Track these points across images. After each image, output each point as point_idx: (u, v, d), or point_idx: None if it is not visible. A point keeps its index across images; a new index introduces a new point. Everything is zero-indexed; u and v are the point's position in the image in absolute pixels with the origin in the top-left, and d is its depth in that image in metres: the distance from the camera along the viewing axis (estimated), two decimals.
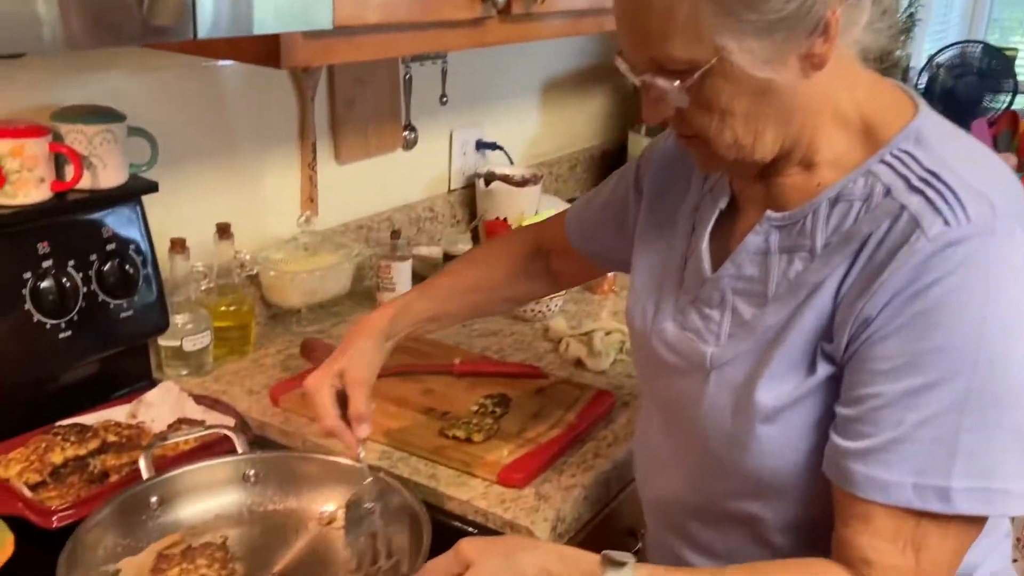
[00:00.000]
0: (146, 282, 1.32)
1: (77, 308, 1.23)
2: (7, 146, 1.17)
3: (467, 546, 0.86)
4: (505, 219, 1.93)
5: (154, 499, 1.08)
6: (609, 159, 2.53)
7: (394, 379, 1.42)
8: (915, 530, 0.79)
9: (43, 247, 1.20)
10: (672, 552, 1.04)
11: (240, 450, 1.16)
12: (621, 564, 0.82)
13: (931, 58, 3.02)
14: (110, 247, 1.27)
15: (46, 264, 1.20)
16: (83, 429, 1.21)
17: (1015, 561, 1.25)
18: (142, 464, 1.09)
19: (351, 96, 1.75)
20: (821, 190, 0.86)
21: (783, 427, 0.86)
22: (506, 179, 1.99)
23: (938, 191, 0.79)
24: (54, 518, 1.06)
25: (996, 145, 2.64)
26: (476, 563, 0.83)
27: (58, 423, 1.23)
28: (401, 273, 1.67)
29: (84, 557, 0.97)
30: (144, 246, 1.32)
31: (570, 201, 2.29)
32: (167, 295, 1.37)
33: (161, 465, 1.13)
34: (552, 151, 2.37)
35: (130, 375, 1.38)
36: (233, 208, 1.56)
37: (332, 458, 1.16)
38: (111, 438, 1.23)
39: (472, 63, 2.02)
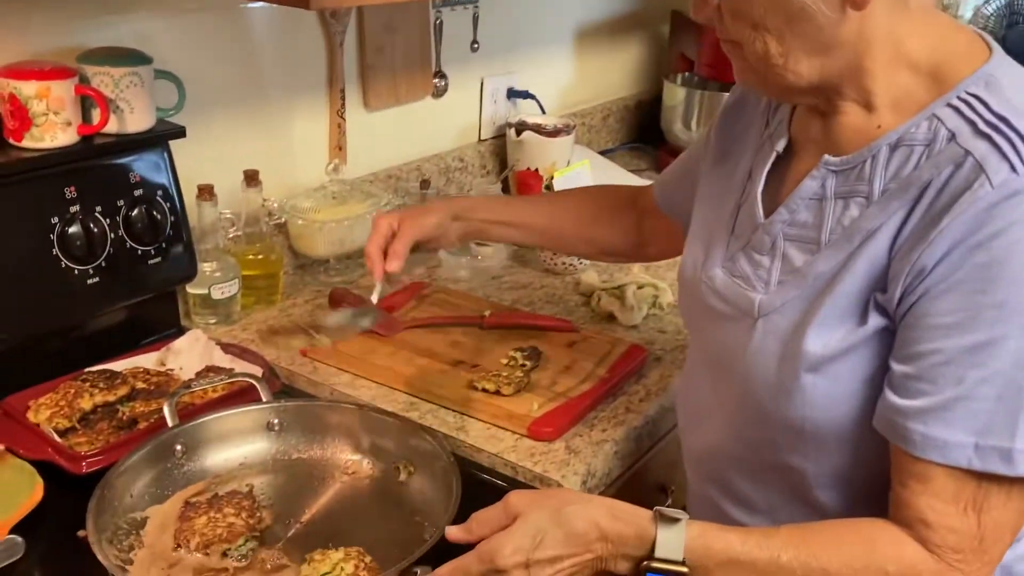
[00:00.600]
0: (174, 229, 1.30)
1: (105, 254, 1.22)
2: (32, 88, 1.15)
3: (516, 499, 0.84)
4: (536, 170, 1.89)
5: (179, 447, 1.07)
6: (643, 110, 2.48)
7: (423, 331, 1.40)
8: (976, 491, 0.77)
9: (70, 192, 1.19)
10: (712, 505, 1.02)
11: (264, 399, 1.15)
12: (675, 520, 0.80)
13: (978, 9, 2.91)
14: (137, 193, 1.26)
15: (73, 209, 1.19)
16: (112, 376, 1.21)
17: None
18: (166, 412, 1.08)
19: (380, 42, 1.71)
20: (881, 133, 0.82)
21: (830, 377, 0.84)
22: (538, 129, 1.95)
23: (1007, 137, 0.75)
24: (83, 463, 1.06)
25: None
26: (525, 515, 0.82)
27: (87, 370, 1.22)
28: None
29: (112, 504, 0.97)
30: (172, 192, 1.30)
31: (602, 152, 2.26)
32: (195, 242, 1.35)
33: (188, 413, 1.12)
34: (585, 101, 2.32)
35: (158, 323, 1.37)
36: (261, 155, 1.54)
37: (356, 407, 1.15)
38: (139, 385, 1.22)
39: (504, 8, 1.97)
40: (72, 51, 1.23)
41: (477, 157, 2.00)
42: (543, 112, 2.06)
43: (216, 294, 1.39)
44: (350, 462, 1.12)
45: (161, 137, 1.28)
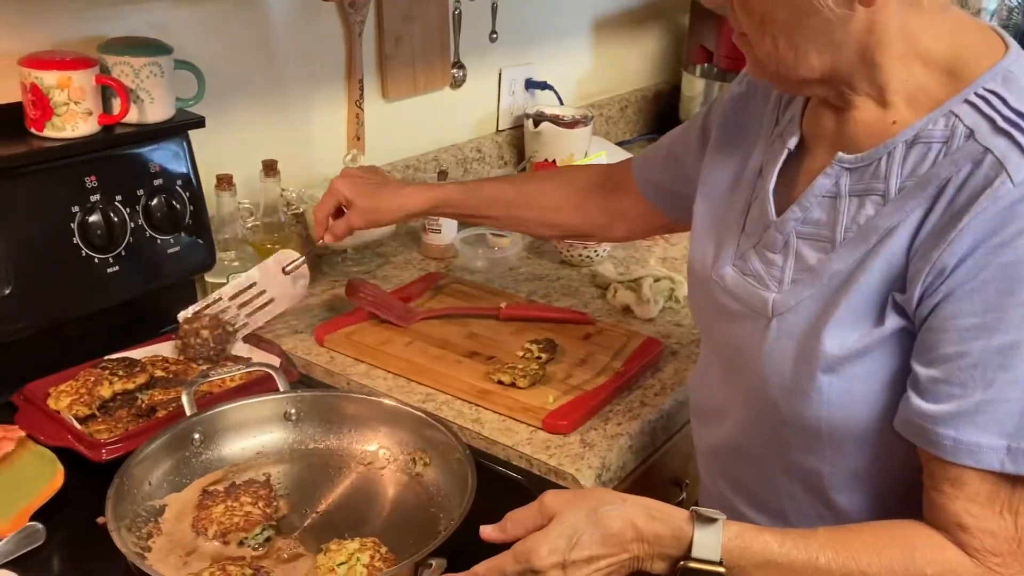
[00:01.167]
0: (193, 218, 1.31)
1: (124, 243, 1.23)
2: (54, 78, 1.16)
3: (551, 499, 0.84)
4: (554, 161, 1.89)
5: (197, 436, 1.08)
6: (661, 101, 2.47)
7: (438, 321, 1.41)
8: (1011, 494, 0.76)
9: (91, 181, 1.20)
10: (724, 501, 1.02)
11: (282, 388, 1.16)
12: (711, 520, 0.80)
13: (1002, 1, 2.88)
14: (157, 182, 1.26)
15: (94, 198, 1.20)
16: (131, 364, 1.22)
17: None
18: (184, 401, 1.09)
19: (399, 32, 1.71)
20: (897, 129, 0.81)
21: (847, 378, 0.83)
22: (556, 120, 1.94)
23: None
24: (103, 451, 1.07)
25: None
26: (561, 515, 0.82)
27: (106, 357, 1.23)
28: None
29: (131, 491, 0.98)
30: (191, 181, 1.31)
31: (620, 143, 2.25)
32: (213, 232, 1.36)
33: (206, 402, 1.13)
34: (603, 91, 2.31)
35: (177, 311, 1.38)
36: (279, 145, 1.54)
37: (373, 398, 1.15)
38: (158, 373, 1.23)
39: None
40: (93, 41, 1.24)
41: (495, 148, 2.00)
42: (561, 103, 2.06)
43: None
44: (366, 453, 1.12)
45: (181, 127, 1.29)
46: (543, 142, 1.94)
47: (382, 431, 1.13)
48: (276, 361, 1.25)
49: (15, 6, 1.20)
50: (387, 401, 1.14)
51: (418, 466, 1.09)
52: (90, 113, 1.19)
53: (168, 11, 1.34)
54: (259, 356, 1.28)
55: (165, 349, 1.30)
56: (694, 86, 2.21)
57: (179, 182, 1.29)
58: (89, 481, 1.05)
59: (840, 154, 0.85)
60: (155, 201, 1.26)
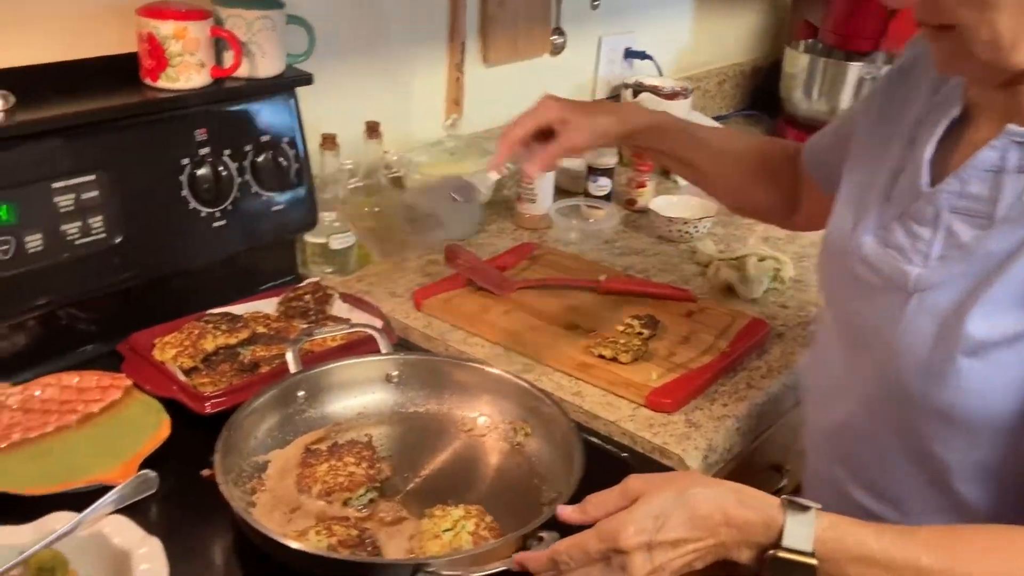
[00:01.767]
0: (298, 176, 1.30)
1: (231, 198, 1.23)
2: (170, 28, 1.15)
3: (636, 482, 0.80)
4: None
5: (301, 393, 1.08)
6: (760, 76, 2.39)
7: (535, 292, 1.38)
8: None
9: (201, 134, 1.19)
10: (836, 487, 0.97)
11: (384, 351, 1.14)
12: (804, 509, 0.76)
13: None
14: (265, 138, 1.26)
15: (203, 152, 1.20)
16: (233, 319, 1.22)
17: None
18: (289, 358, 1.09)
19: None
20: None
21: (991, 364, 0.78)
22: (655, 91, 1.89)
23: None
24: (207, 404, 1.07)
25: None
26: (647, 496, 0.78)
27: (208, 312, 1.24)
28: (544, 184, 1.62)
29: (237, 445, 0.98)
30: (297, 139, 1.30)
31: (716, 119, 2.19)
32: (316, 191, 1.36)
33: (309, 361, 1.12)
34: (701, 64, 2.25)
35: (276, 270, 1.38)
36: (380, 107, 1.53)
37: (477, 365, 1.13)
38: (260, 330, 1.23)
39: None
40: None
41: None
42: (660, 74, 2.01)
43: (334, 244, 1.39)
44: (467, 419, 1.11)
45: (289, 83, 1.28)
46: None
47: (484, 399, 1.11)
48: (378, 323, 1.24)
49: None
50: (491, 369, 1.12)
51: (519, 436, 1.07)
52: (203, 65, 1.19)
53: None
54: (359, 317, 1.27)
55: (265, 306, 1.29)
56: (797, 62, 2.14)
57: (286, 139, 1.28)
58: (192, 433, 1.05)
59: (1010, 126, 0.79)
60: (262, 157, 1.25)
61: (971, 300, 0.80)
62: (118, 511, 0.86)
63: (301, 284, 1.32)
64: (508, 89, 1.77)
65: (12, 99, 1.04)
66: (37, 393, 1.09)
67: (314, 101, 1.36)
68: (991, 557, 0.74)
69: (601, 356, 1.21)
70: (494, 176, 1.08)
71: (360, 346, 1.19)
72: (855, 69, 2.06)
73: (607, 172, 1.69)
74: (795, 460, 1.43)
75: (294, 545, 0.84)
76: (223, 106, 1.22)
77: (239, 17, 1.22)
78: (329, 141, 1.36)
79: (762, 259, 1.48)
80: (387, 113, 1.50)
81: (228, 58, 1.21)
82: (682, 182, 1.89)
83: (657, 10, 2.07)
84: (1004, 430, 0.81)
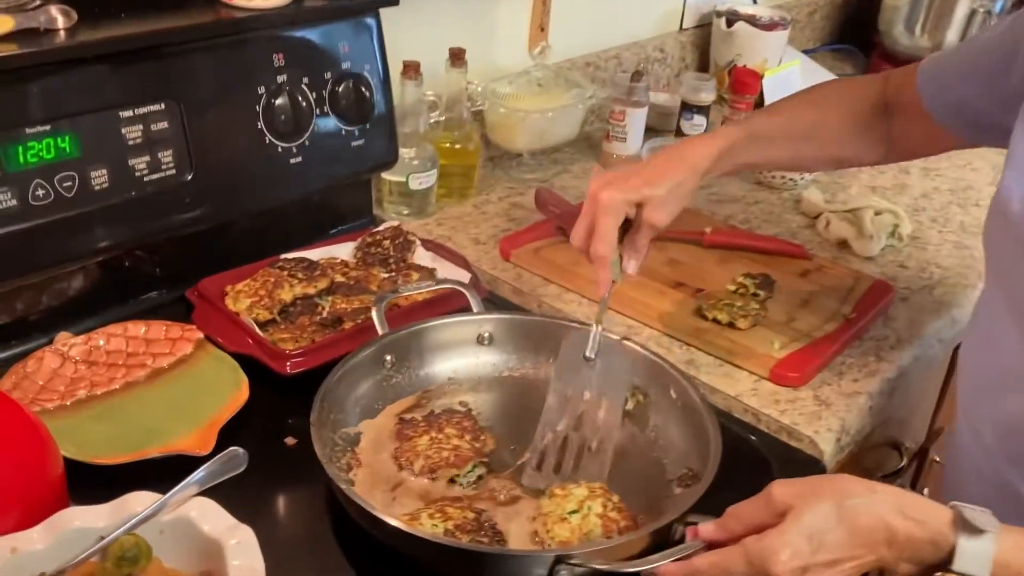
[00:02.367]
0: (379, 109, 1.17)
1: (309, 132, 1.11)
2: None
3: (782, 491, 0.69)
4: (745, 66, 1.68)
5: (388, 357, 0.97)
6: (851, 8, 2.21)
7: None
8: None
9: (278, 59, 1.07)
10: (1006, 490, 0.86)
11: (476, 309, 1.03)
12: (980, 531, 0.65)
13: None
14: (345, 66, 1.13)
15: (280, 79, 1.07)
16: (311, 266, 1.11)
17: None
18: (375, 318, 0.97)
19: None
20: None
21: None
22: (751, 21, 1.73)
23: None
24: (288, 363, 0.97)
25: None
26: (799, 510, 0.67)
27: (282, 257, 1.13)
28: (635, 121, 1.48)
29: (329, 417, 0.87)
30: (379, 67, 1.17)
31: (806, 52, 2.02)
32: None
33: (393, 317, 1.01)
34: None
35: (350, 211, 1.27)
36: (462, 33, 1.38)
37: (575, 324, 1.02)
38: (338, 278, 1.12)
39: None
40: None
41: (677, 48, 1.80)
42: (754, 2, 1.84)
43: (414, 184, 1.27)
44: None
45: (372, 4, 1.14)
46: (733, 45, 1.74)
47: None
48: (465, 276, 1.13)
49: None
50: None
51: (630, 403, 0.96)
52: None
53: None
54: (443, 267, 1.16)
55: (341, 251, 1.18)
56: None
57: (367, 67, 1.15)
58: (270, 394, 0.96)
59: None
60: (342, 87, 1.12)
61: None
62: (204, 492, 0.76)
63: (379, 228, 1.20)
64: (593, 14, 1.62)
65: (74, 16, 0.91)
66: (101, 343, 0.99)
67: (394, 25, 1.22)
68: None
69: (716, 320, 1.09)
70: (605, 300, 0.94)
71: (446, 301, 1.08)
72: (966, 1, 1.88)
73: (703, 110, 1.55)
74: (914, 437, 1.33)
75: (418, 534, 0.74)
76: (303, 28, 1.09)
77: None
78: (411, 69, 1.23)
79: (879, 213, 1.34)
80: (470, 39, 1.36)
81: None
82: None
83: None
84: None
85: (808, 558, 0.66)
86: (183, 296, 1.07)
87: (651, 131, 1.56)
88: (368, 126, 1.17)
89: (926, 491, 1.32)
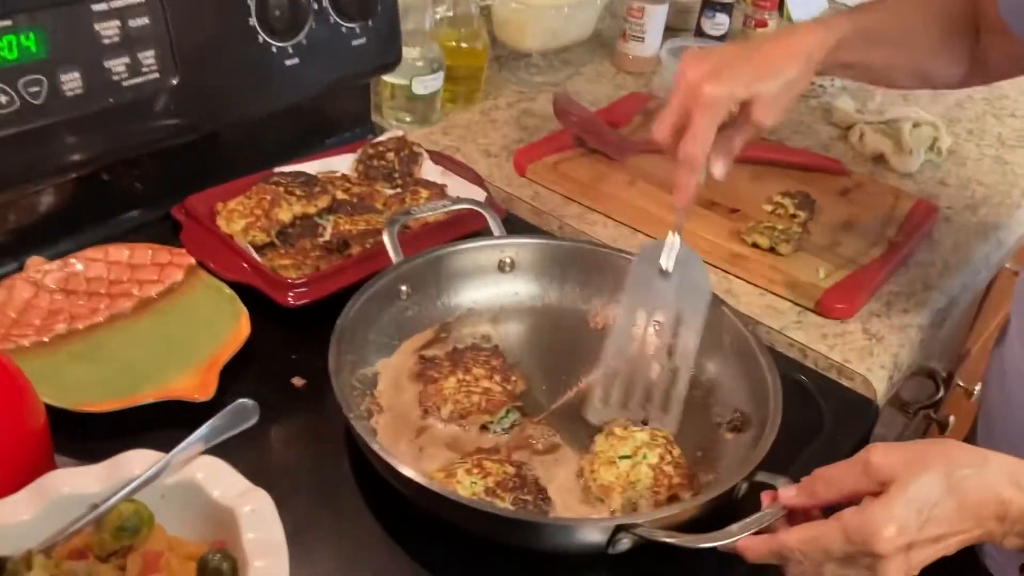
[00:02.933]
0: (382, 5, 1.04)
1: (306, 29, 0.98)
2: None
3: (881, 458, 0.60)
4: None
5: (404, 288, 0.87)
6: None
7: (657, 157, 1.14)
8: None
9: None
10: None
11: (496, 232, 0.93)
12: None
13: None
14: None
15: None
16: (309, 181, 1.00)
17: None
18: (388, 243, 0.87)
19: None
20: None
21: None
22: None
23: None
24: (291, 293, 0.87)
25: None
26: (902, 482, 0.59)
27: (276, 170, 1.01)
28: (655, 19, 1.36)
29: (345, 358, 0.78)
30: None
31: None
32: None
33: (404, 240, 0.90)
34: None
35: (347, 118, 1.15)
36: None
37: (601, 248, 0.93)
38: (340, 195, 1.02)
39: None
40: None
41: None
42: None
43: (418, 88, 1.15)
44: (600, 314, 0.92)
45: None
46: None
47: (613, 285, 0.91)
48: (479, 194, 1.03)
49: None
50: (616, 251, 0.92)
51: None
52: None
53: None
54: (454, 183, 1.05)
55: (340, 164, 1.07)
56: None
57: None
58: (272, 328, 0.86)
59: None
60: None
61: None
62: (212, 450, 0.67)
63: (381, 138, 1.09)
64: None
65: None
66: (80, 268, 0.88)
67: None
68: None
69: (755, 245, 1.00)
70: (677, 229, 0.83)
71: (461, 223, 0.98)
72: None
73: (726, 7, 1.42)
74: (950, 368, 1.27)
75: (464, 501, 0.66)
76: None
77: None
78: None
79: (917, 125, 1.25)
80: None
81: None
82: (799, 19, 1.63)
83: None
84: None
85: (915, 534, 0.59)
86: (168, 214, 0.96)
87: (668, 30, 1.44)
88: (370, 23, 1.04)
89: (952, 418, 1.27)
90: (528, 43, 1.29)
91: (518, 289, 0.93)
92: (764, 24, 1.46)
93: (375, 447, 0.67)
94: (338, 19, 1.01)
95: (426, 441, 0.77)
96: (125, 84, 0.85)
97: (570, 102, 1.17)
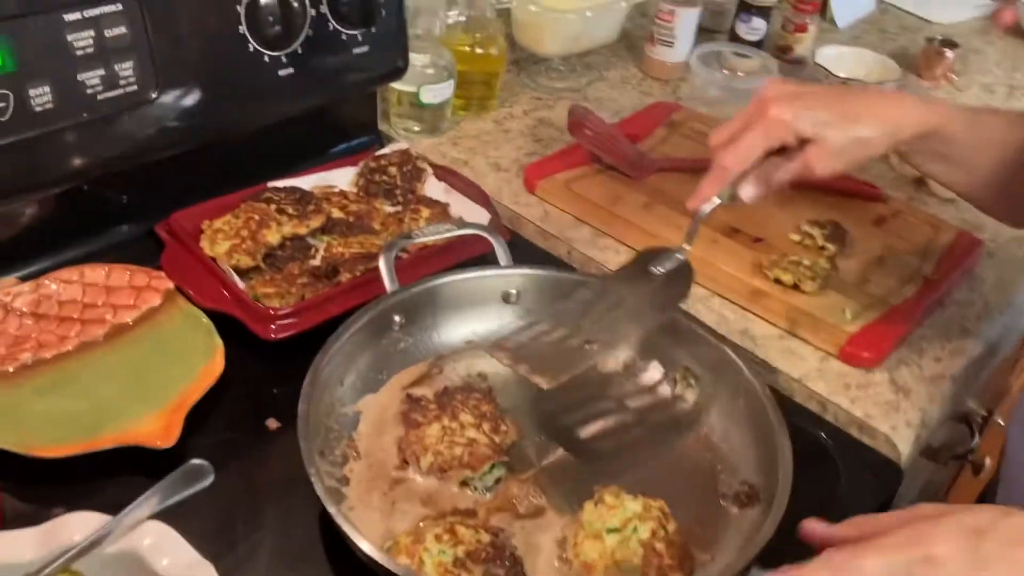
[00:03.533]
0: (387, 8, 0.98)
1: (302, 38, 0.92)
2: None
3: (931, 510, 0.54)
4: None
5: (398, 318, 0.82)
6: None
7: (678, 176, 1.08)
8: None
9: None
10: None
11: (502, 260, 0.87)
12: None
13: None
14: None
15: None
16: (303, 199, 0.95)
17: None
18: (383, 271, 0.81)
19: None
20: None
21: None
22: None
23: None
24: (273, 326, 0.81)
25: None
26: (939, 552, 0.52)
27: (270, 185, 0.96)
28: (686, 23, 1.28)
29: (322, 399, 0.73)
30: None
31: None
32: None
33: (401, 267, 0.84)
34: None
35: (351, 126, 1.09)
36: None
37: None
38: (335, 213, 0.96)
39: None
40: None
41: None
42: None
43: (426, 96, 1.09)
44: (608, 357, 0.85)
45: None
46: None
47: (631, 330, 0.84)
48: (484, 215, 0.96)
49: None
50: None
51: (679, 387, 0.82)
52: None
53: None
54: (458, 202, 0.99)
55: (340, 178, 1.01)
56: None
57: None
58: (250, 361, 0.81)
59: None
60: None
61: None
62: (160, 514, 0.62)
63: (385, 151, 1.03)
64: None
65: None
66: (54, 289, 0.84)
67: None
68: None
69: (778, 281, 0.93)
70: (707, 208, 0.77)
71: (462, 246, 0.91)
72: None
73: (764, 12, 1.34)
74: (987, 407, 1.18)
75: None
76: None
77: None
78: None
79: None
80: None
81: None
82: (843, 23, 1.54)
83: None
84: None
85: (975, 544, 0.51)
86: (152, 231, 0.91)
87: (702, 31, 1.35)
88: (374, 29, 0.97)
89: (987, 460, 1.18)
90: (547, 48, 1.22)
91: (521, 323, 0.87)
92: (804, 29, 1.36)
93: (334, 514, 0.62)
94: (338, 25, 0.94)
95: (400, 495, 0.71)
96: (100, 98, 0.80)
97: (586, 115, 1.10)
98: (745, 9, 1.34)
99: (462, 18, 1.13)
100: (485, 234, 0.88)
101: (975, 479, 1.17)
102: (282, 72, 0.92)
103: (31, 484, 0.69)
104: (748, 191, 0.76)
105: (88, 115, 0.80)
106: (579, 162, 1.08)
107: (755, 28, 1.34)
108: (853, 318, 0.90)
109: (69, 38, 0.77)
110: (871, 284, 0.95)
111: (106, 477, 0.70)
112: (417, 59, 1.06)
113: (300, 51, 0.92)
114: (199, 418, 0.75)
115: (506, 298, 0.87)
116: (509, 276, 0.86)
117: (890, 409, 0.83)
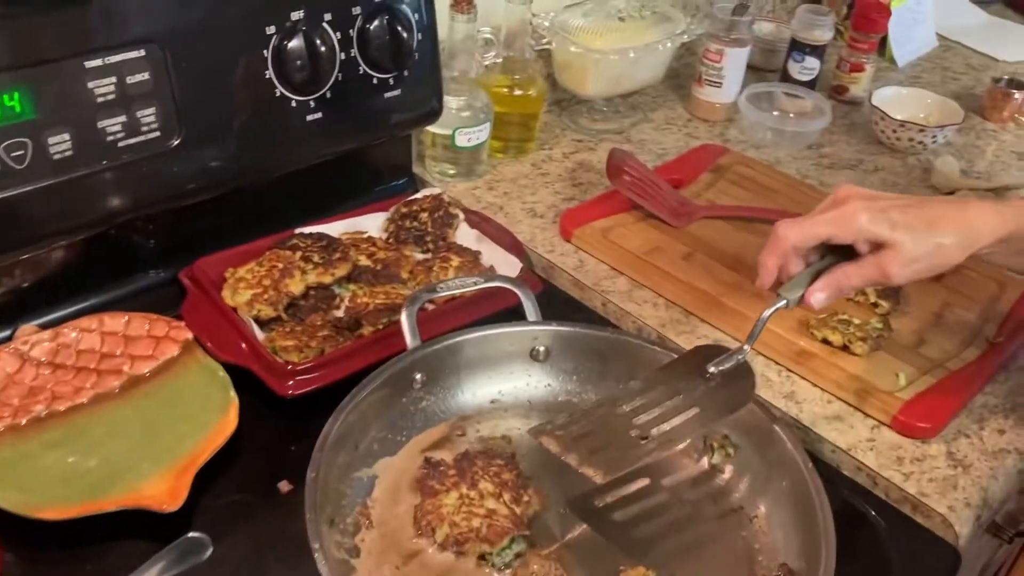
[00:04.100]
0: (421, 50, 0.95)
1: (331, 82, 0.89)
2: None
3: None
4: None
5: (419, 376, 0.78)
6: None
7: (724, 224, 1.03)
8: None
9: None
10: None
11: (531, 316, 0.83)
12: None
13: None
14: None
15: (295, 16, 0.85)
16: (330, 246, 0.92)
17: None
18: (405, 327, 0.78)
19: None
20: None
21: None
22: None
23: None
24: (290, 383, 0.78)
25: None
26: None
27: (297, 231, 0.94)
28: (735, 63, 1.23)
29: (335, 464, 0.69)
30: (422, 1, 0.94)
31: None
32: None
33: (424, 320, 0.81)
34: None
35: (385, 169, 1.07)
36: None
37: (658, 348, 0.81)
38: (362, 261, 0.93)
39: None
40: None
41: None
42: None
43: (461, 140, 1.06)
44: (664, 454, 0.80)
45: None
46: None
47: (688, 430, 0.77)
48: (515, 265, 0.93)
49: None
50: (667, 352, 0.80)
51: (716, 456, 0.77)
52: None
53: None
54: (489, 250, 0.96)
55: (370, 223, 0.99)
56: None
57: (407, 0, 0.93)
58: (265, 415, 0.79)
59: None
60: (374, 24, 0.90)
61: None
62: None
63: (417, 196, 1.00)
64: None
65: None
66: (73, 336, 0.82)
67: None
68: None
69: (826, 341, 0.87)
70: (770, 311, 0.73)
71: (490, 298, 0.88)
72: None
73: (817, 51, 1.28)
74: None
75: None
76: None
77: None
78: (463, 1, 1.00)
79: None
80: None
81: None
82: (903, 62, 1.47)
83: None
84: None
85: None
86: (177, 278, 0.89)
87: (751, 69, 1.31)
88: (406, 72, 0.95)
89: None
90: (589, 90, 1.18)
91: (550, 381, 0.83)
92: (861, 69, 1.31)
93: (324, 571, 0.58)
94: (368, 69, 0.92)
95: (414, 570, 0.67)
96: (121, 145, 0.78)
97: (626, 159, 1.06)
98: (798, 48, 1.29)
99: (499, 60, 1.09)
100: (513, 287, 0.84)
101: None
102: (310, 117, 0.90)
103: (33, 543, 0.67)
104: (819, 297, 0.73)
105: (108, 162, 0.78)
106: (618, 208, 1.04)
107: (808, 68, 1.29)
108: (907, 384, 0.84)
109: (90, 85, 0.75)
110: (928, 346, 0.89)
111: (110, 539, 0.68)
112: (452, 101, 1.03)
113: (329, 95, 0.90)
114: (210, 476, 0.72)
115: (534, 355, 0.83)
116: (537, 332, 0.82)
117: (947, 486, 0.77)
